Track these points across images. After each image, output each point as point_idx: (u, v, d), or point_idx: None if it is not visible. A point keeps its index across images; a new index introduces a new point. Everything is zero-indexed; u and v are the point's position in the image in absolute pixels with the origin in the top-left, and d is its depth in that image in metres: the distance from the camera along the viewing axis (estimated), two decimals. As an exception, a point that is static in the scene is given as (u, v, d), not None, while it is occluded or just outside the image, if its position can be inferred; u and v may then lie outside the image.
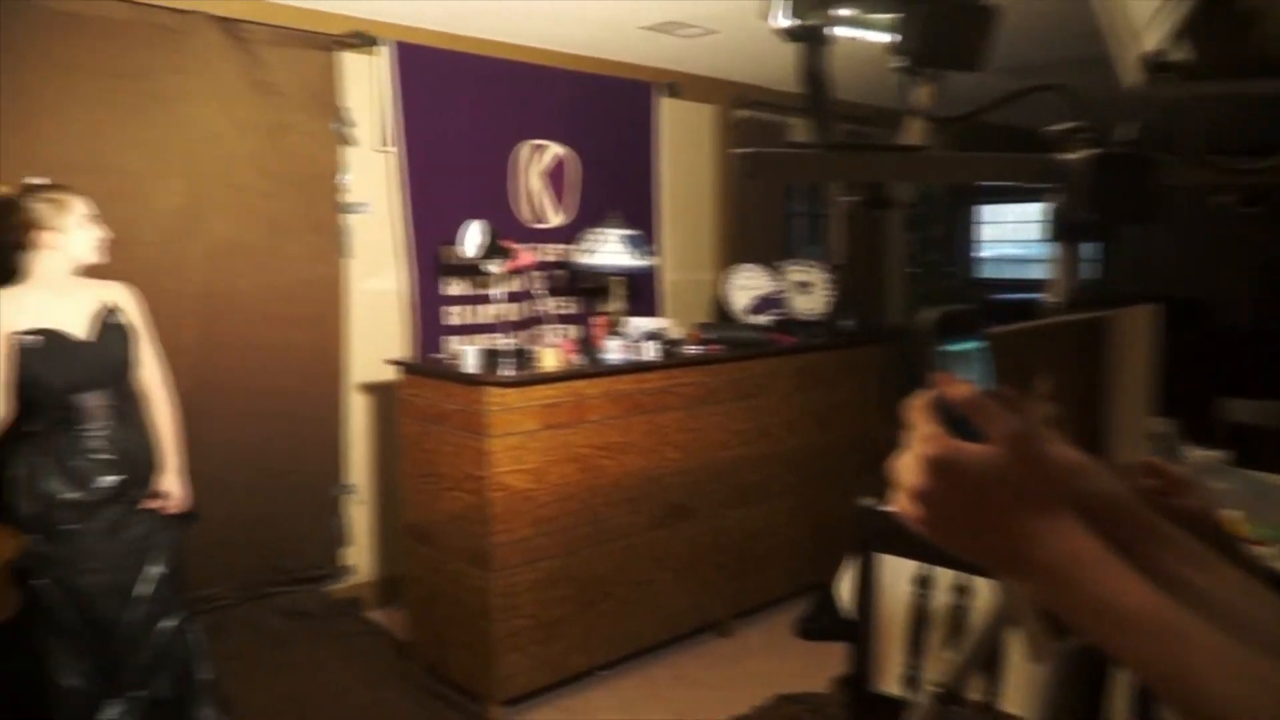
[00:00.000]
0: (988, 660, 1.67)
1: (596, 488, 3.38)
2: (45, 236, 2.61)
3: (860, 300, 5.08)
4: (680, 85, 4.96)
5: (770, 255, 5.11)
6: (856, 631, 2.13)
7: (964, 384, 0.65)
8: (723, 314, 4.93)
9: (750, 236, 5.31)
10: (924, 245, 6.00)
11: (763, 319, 4.59)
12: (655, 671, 3.63)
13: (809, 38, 0.88)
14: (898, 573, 2.01)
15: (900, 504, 0.66)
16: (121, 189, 3.30)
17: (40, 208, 2.60)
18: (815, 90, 0.90)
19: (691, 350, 3.76)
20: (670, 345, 3.75)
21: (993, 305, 4.45)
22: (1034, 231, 7.76)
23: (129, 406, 2.76)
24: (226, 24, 3.52)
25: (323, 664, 3.52)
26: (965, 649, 1.37)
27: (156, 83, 3.38)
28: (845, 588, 2.30)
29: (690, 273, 5.20)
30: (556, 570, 3.29)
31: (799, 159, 0.92)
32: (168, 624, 2.74)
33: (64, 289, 2.67)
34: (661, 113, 4.91)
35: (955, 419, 0.64)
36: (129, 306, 2.79)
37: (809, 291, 4.73)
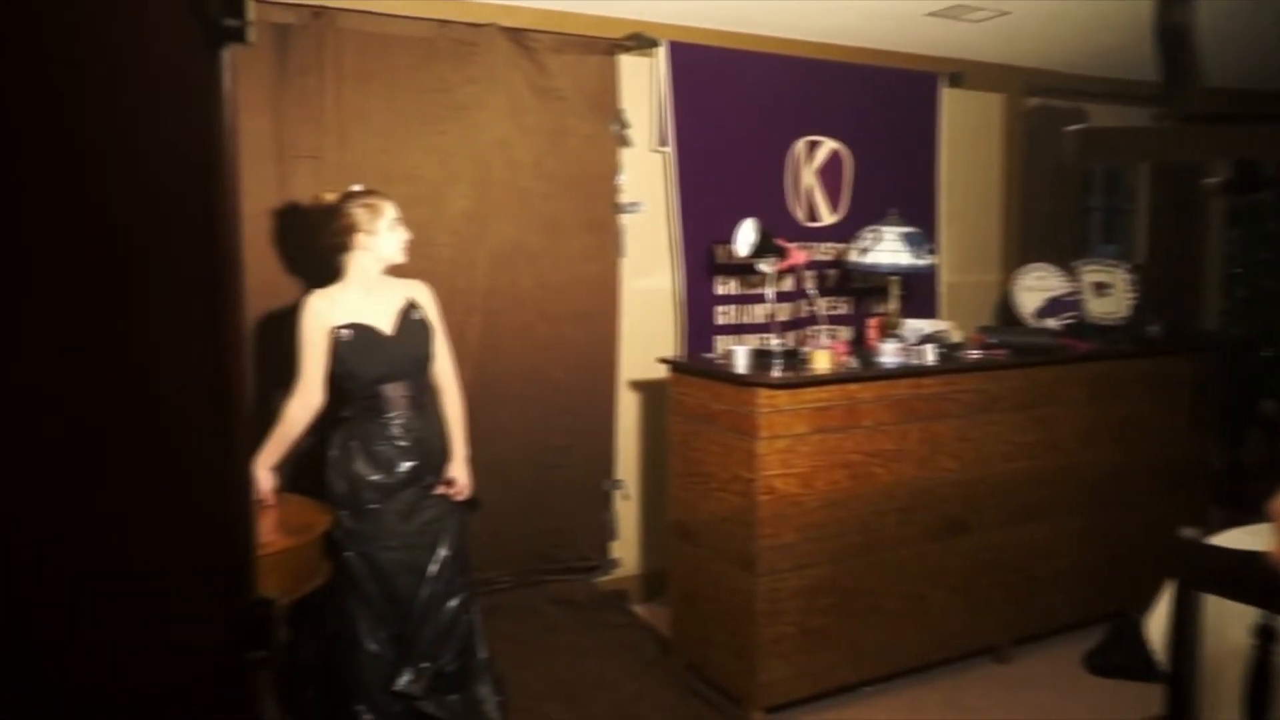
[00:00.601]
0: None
1: (867, 496, 3.24)
2: (360, 239, 2.85)
3: (1169, 304, 4.57)
4: (964, 74, 4.68)
5: (1063, 254, 4.71)
6: (1159, 674, 1.87)
7: None
8: (1008, 317, 4.61)
9: (1040, 234, 4.93)
10: (1250, 241, 5.30)
11: (1053, 323, 4.23)
12: (924, 694, 3.43)
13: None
14: (1228, 618, 1.74)
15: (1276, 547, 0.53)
16: (420, 194, 3.55)
17: (357, 212, 2.85)
18: (1175, 50, 0.76)
19: (973, 355, 3.52)
20: (949, 349, 3.53)
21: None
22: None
23: (425, 397, 2.97)
24: (516, 34, 3.70)
25: (589, 652, 3.62)
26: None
27: (452, 94, 3.61)
28: (1156, 626, 2.04)
29: (972, 273, 4.90)
30: (823, 578, 3.19)
31: (1149, 136, 0.79)
32: (453, 603, 2.91)
33: (374, 287, 2.91)
34: (943, 103, 4.66)
35: None
36: (427, 303, 2.99)
37: (1107, 293, 4.31)
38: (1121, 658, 3.52)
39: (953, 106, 4.70)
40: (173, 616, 0.95)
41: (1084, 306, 4.33)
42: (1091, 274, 4.38)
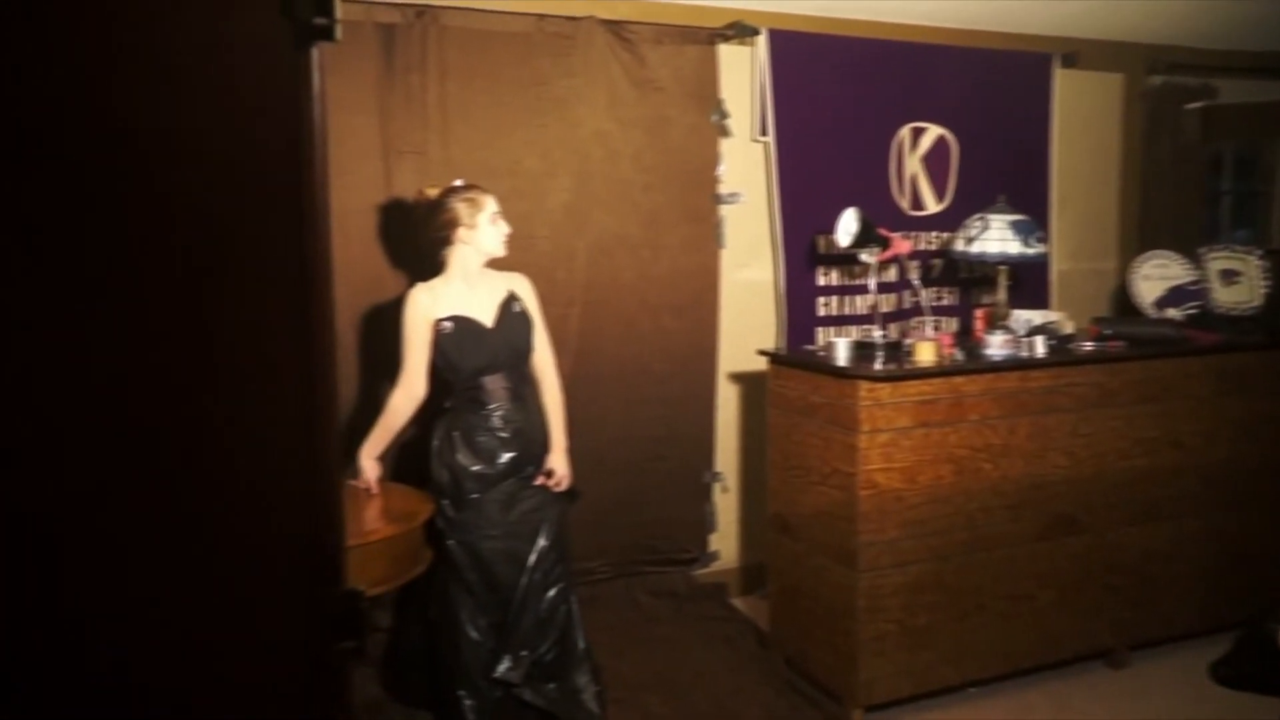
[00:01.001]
0: None
1: (973, 492, 3.14)
2: (461, 233, 2.90)
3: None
4: (1078, 54, 4.48)
5: (1186, 241, 4.47)
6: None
7: None
8: (1125, 307, 4.40)
9: (1162, 220, 4.69)
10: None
11: (1175, 313, 4.02)
12: (1032, 697, 3.31)
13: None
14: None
15: None
16: (520, 188, 3.60)
17: (458, 207, 2.90)
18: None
19: (1087, 347, 3.37)
20: (1061, 341, 3.39)
21: None
22: None
23: (524, 389, 3.00)
24: (614, 26, 3.71)
25: (687, 645, 3.62)
26: None
27: (551, 87, 3.64)
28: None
29: (1086, 261, 4.70)
30: (926, 576, 3.11)
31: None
32: (552, 592, 2.95)
33: (475, 280, 2.96)
34: (1056, 85, 4.47)
35: None
36: (527, 296, 3.03)
37: (1236, 281, 4.07)
38: (1251, 668, 3.33)
39: (1066, 88, 4.51)
40: (262, 609, 0.97)
41: (1209, 295, 4.10)
42: (1219, 261, 4.14)
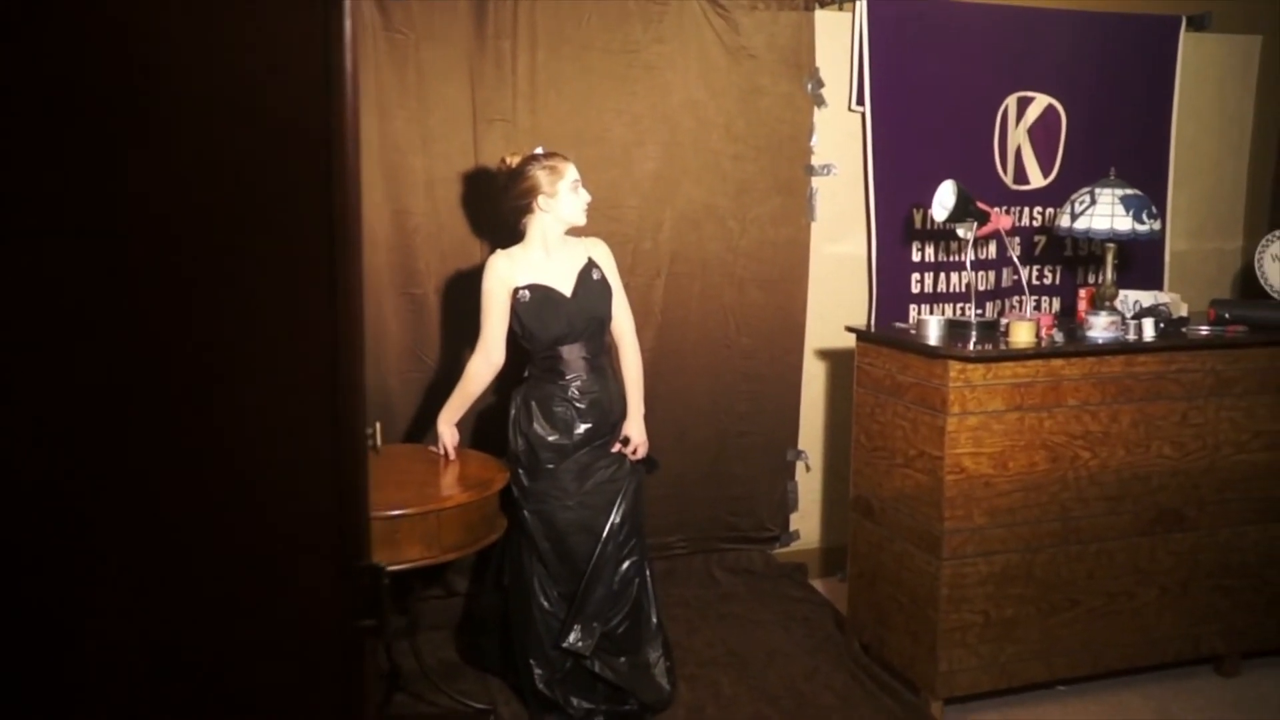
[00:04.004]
0: None
1: (1068, 481, 2.98)
2: (541, 200, 2.88)
3: None
4: (1209, 14, 4.17)
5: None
6: None
7: None
8: (1250, 290, 4.11)
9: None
10: None
11: (1307, 297, 3.73)
12: (1129, 700, 3.15)
13: None
14: None
15: None
16: (608, 156, 3.55)
17: (538, 174, 2.87)
18: None
19: (1202, 331, 3.15)
20: (1172, 324, 3.17)
21: None
22: None
23: (602, 358, 2.97)
24: (708, -7, 3.61)
25: (763, 624, 3.56)
26: None
27: (641, 54, 3.57)
28: None
29: (1207, 241, 4.41)
30: (1014, 567, 2.97)
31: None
32: (625, 565, 2.92)
33: (555, 248, 2.93)
34: (1181, 50, 4.18)
35: None
36: (605, 261, 2.99)
37: (1383, 264, 3.75)
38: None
39: (1193, 52, 4.21)
40: (279, 583, 0.95)
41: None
42: (1361, 241, 3.81)
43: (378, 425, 2.06)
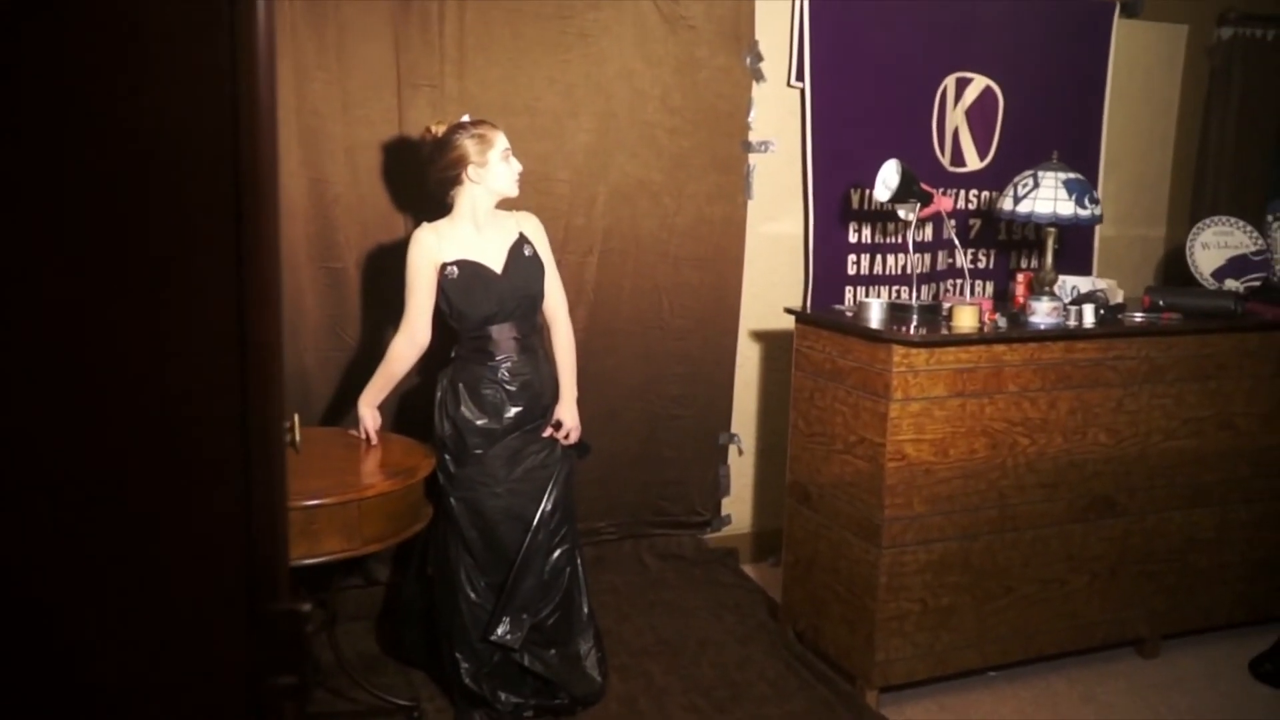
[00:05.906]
0: None
1: (1007, 468, 2.96)
2: (470, 171, 2.71)
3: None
4: (1142, 1, 4.19)
5: (1250, 208, 4.20)
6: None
7: None
8: (1173, 276, 4.16)
9: (1224, 185, 4.42)
10: None
11: (1235, 285, 3.78)
12: (1056, 684, 3.16)
13: None
14: None
15: None
16: (540, 127, 3.39)
17: (466, 144, 2.70)
18: None
19: (1137, 318, 3.16)
20: (1110, 311, 3.17)
21: None
22: None
23: (534, 339, 2.83)
24: (646, -43, 3.46)
25: (694, 611, 3.48)
26: None
27: (575, 20, 3.41)
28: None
29: (1132, 228, 4.46)
30: (952, 554, 2.94)
31: None
32: (556, 554, 2.80)
33: (485, 222, 2.77)
34: (1115, 36, 4.18)
35: None
36: (537, 236, 2.84)
37: (1305, 253, 3.82)
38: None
39: (1125, 40, 4.22)
40: (170, 633, 0.76)
41: (1275, 267, 3.85)
42: (1283, 231, 3.88)
43: (295, 418, 1.88)
